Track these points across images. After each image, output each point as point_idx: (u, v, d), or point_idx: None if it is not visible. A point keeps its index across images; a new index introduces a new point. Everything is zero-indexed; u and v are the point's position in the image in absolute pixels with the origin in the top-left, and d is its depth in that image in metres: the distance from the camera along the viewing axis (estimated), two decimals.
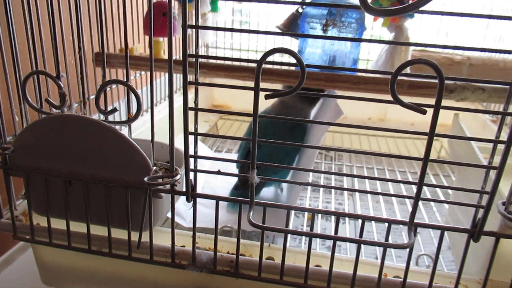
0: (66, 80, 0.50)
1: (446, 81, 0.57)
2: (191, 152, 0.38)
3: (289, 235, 0.70)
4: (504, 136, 0.33)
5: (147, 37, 0.70)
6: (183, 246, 0.44)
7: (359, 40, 0.52)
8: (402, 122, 1.12)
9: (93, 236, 0.44)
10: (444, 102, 0.73)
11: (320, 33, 0.66)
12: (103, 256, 0.45)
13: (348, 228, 0.75)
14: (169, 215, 0.47)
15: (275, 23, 1.00)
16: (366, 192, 0.37)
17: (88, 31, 0.62)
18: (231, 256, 0.43)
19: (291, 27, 0.72)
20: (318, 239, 0.68)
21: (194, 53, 0.37)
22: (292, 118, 0.68)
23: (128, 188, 0.41)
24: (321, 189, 0.90)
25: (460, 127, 0.63)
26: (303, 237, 0.70)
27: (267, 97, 0.34)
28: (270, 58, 0.32)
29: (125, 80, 0.39)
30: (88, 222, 0.43)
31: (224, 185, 0.72)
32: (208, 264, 0.42)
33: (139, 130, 0.75)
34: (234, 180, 0.72)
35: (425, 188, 0.89)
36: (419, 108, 0.33)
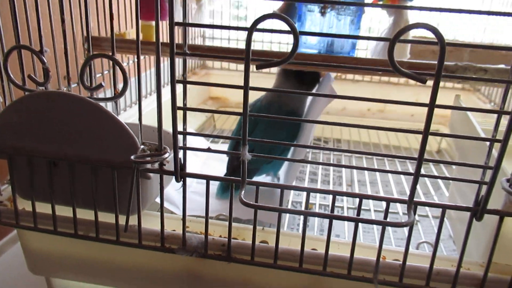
0: (55, 59, 0.48)
1: (447, 63, 0.55)
2: (180, 129, 0.37)
3: (285, 224, 0.69)
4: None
5: (140, 22, 0.68)
6: (174, 231, 0.43)
7: (359, 4, 0.50)
8: (402, 113, 1.10)
9: (79, 221, 0.42)
10: (446, 84, 0.70)
11: (318, 15, 0.64)
12: (91, 241, 0.43)
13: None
14: (158, 200, 0.46)
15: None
16: (363, 169, 0.36)
17: (78, 16, 0.60)
18: (223, 240, 0.41)
19: (288, 11, 0.71)
20: (315, 228, 0.67)
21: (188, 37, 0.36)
22: (285, 90, 0.66)
23: (114, 169, 0.39)
24: (319, 180, 0.88)
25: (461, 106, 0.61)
26: (299, 225, 0.68)
27: (258, 67, 0.32)
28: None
29: (111, 54, 0.37)
30: (74, 204, 0.41)
31: None
32: (199, 248, 0.40)
33: (132, 119, 0.74)
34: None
35: (424, 177, 0.88)
36: (418, 77, 0.31)
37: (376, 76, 1.12)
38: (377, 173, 0.91)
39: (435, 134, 0.34)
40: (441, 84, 0.99)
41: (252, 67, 0.33)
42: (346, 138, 1.10)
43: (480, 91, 0.97)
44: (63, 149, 0.40)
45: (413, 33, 0.87)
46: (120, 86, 0.37)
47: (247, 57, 0.32)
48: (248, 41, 0.31)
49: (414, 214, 0.34)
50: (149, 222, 0.43)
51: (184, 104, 0.36)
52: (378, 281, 0.38)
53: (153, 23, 0.66)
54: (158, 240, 0.41)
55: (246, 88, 0.33)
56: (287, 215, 0.70)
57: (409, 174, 0.34)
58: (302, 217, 0.73)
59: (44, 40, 0.40)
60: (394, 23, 0.67)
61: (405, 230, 0.68)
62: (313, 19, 0.64)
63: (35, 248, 0.48)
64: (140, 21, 0.68)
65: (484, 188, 0.34)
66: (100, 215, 0.42)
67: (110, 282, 0.48)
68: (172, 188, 0.62)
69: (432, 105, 0.31)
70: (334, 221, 0.72)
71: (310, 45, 0.65)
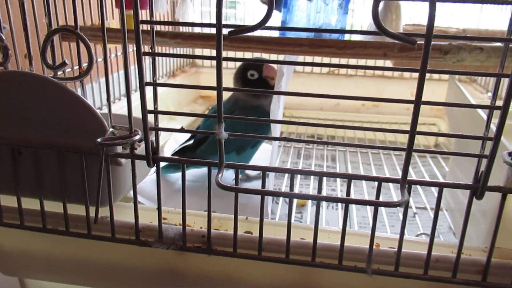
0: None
1: (440, 42, 0.52)
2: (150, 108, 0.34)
3: (277, 216, 0.65)
4: None
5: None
6: (151, 223, 0.39)
7: None
8: (397, 107, 1.07)
9: (48, 214, 0.39)
10: (439, 66, 0.68)
11: (305, 1, 0.61)
12: (62, 237, 0.40)
13: (340, 213, 0.70)
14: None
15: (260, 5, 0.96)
16: (355, 145, 0.33)
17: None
18: (202, 231, 0.38)
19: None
20: (308, 222, 0.63)
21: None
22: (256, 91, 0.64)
23: (82, 154, 0.36)
24: (312, 176, 0.85)
25: (456, 86, 0.58)
26: (294, 204, 0.65)
27: (230, 33, 0.29)
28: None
29: (75, 29, 0.34)
30: (41, 196, 0.38)
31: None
32: (177, 240, 0.37)
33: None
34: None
35: (420, 165, 0.85)
36: (408, 38, 0.28)
37: (369, 70, 1.09)
38: (373, 168, 0.88)
39: (428, 103, 0.31)
40: (436, 76, 0.95)
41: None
42: (341, 135, 1.07)
43: (476, 82, 0.94)
44: (27, 135, 0.37)
45: (406, 21, 0.84)
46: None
47: (218, 21, 0.29)
48: (219, 3, 0.28)
49: (409, 194, 0.31)
50: (123, 214, 0.40)
51: (154, 81, 0.33)
52: (372, 271, 0.35)
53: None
54: (132, 233, 0.38)
55: (219, 58, 0.30)
56: (279, 206, 0.67)
57: (402, 149, 0.31)
58: (294, 212, 0.70)
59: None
60: (384, 7, 0.65)
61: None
62: (300, 4, 0.62)
63: (5, 246, 0.45)
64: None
65: (484, 164, 0.31)
66: (70, 208, 0.39)
67: (85, 282, 0.45)
68: (148, 181, 0.59)
69: (423, 70, 0.28)
70: (328, 214, 0.69)
71: (298, 33, 0.63)
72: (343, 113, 1.09)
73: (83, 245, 0.41)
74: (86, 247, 0.41)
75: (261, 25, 0.29)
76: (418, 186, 0.76)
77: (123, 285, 0.43)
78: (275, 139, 0.34)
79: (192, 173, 0.70)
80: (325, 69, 1.07)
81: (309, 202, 0.73)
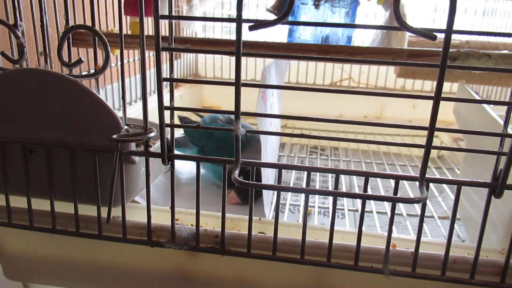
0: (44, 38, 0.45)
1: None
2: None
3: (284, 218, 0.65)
4: None
5: (129, 19, 0.66)
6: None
7: None
8: (400, 119, 1.07)
9: (58, 214, 0.39)
10: (448, 75, 0.67)
11: (312, 8, 0.62)
12: (72, 240, 0.39)
13: (348, 222, 0.69)
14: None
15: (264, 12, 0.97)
16: (374, 142, 0.32)
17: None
18: (216, 231, 0.37)
19: (282, 8, 0.69)
20: (315, 220, 0.63)
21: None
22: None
23: (96, 152, 0.35)
24: (317, 186, 0.84)
25: (467, 92, 0.58)
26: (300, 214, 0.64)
27: (251, 28, 0.29)
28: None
29: (91, 25, 0.34)
30: (52, 195, 0.38)
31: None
32: (190, 240, 0.37)
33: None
34: None
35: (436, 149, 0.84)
36: (428, 33, 0.28)
37: (371, 83, 1.10)
38: (378, 180, 0.88)
39: (447, 99, 0.31)
40: (447, 89, 0.95)
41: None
42: (344, 146, 1.07)
43: (478, 94, 0.95)
44: (39, 133, 0.36)
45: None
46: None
47: (238, 15, 0.29)
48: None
49: (427, 190, 0.31)
50: (134, 215, 0.40)
51: (171, 77, 0.33)
52: (388, 272, 0.34)
53: None
54: (144, 233, 0.38)
55: (238, 54, 0.30)
56: (285, 215, 0.66)
57: (421, 146, 0.31)
58: (300, 219, 0.70)
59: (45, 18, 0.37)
60: (390, 17, 0.65)
61: (410, 227, 0.65)
62: (307, 12, 0.62)
63: (11, 249, 0.44)
64: (129, 18, 0.66)
65: (503, 160, 0.31)
66: (81, 209, 0.38)
67: (93, 285, 0.44)
68: (154, 189, 0.58)
69: (444, 62, 0.29)
70: (335, 220, 0.68)
71: (305, 40, 0.63)
72: (345, 125, 1.08)
73: (93, 247, 0.40)
74: (95, 248, 0.40)
75: (283, 18, 0.29)
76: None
77: None
78: (292, 135, 0.34)
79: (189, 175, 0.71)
80: (327, 81, 1.08)
81: (316, 208, 0.73)
